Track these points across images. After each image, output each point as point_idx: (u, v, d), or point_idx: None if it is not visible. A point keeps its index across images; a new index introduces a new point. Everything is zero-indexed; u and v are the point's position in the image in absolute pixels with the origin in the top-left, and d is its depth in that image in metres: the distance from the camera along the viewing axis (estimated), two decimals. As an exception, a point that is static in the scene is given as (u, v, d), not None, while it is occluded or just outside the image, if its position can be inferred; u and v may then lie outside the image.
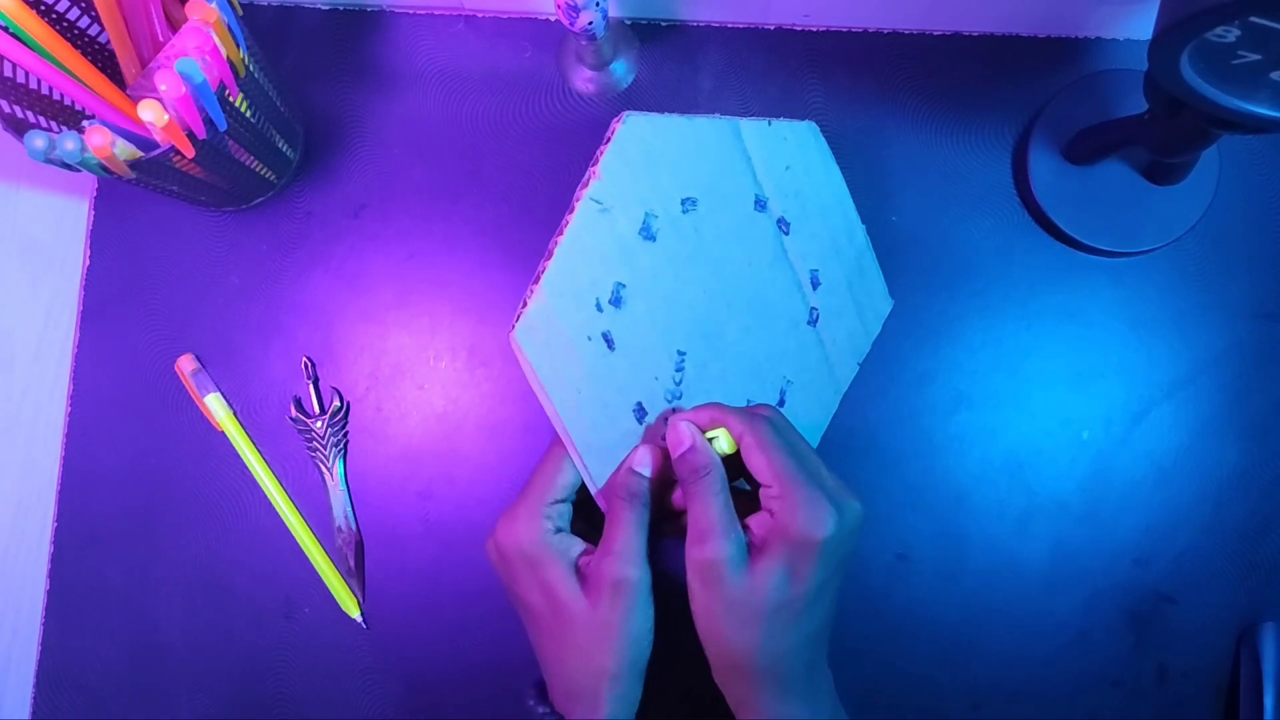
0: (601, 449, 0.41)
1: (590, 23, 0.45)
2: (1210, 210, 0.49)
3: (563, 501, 0.41)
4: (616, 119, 0.40)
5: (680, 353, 0.43)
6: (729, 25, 0.53)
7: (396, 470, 0.52)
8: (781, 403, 0.47)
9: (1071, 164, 0.50)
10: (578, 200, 0.40)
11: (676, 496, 0.42)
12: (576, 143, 0.53)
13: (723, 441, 0.40)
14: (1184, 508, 0.50)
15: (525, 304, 0.39)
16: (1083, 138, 0.49)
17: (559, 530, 0.40)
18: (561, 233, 0.40)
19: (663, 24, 0.54)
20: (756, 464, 0.38)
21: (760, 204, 0.45)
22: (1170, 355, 0.51)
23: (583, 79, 0.53)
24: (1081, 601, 0.50)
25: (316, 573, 0.51)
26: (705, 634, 0.38)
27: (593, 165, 0.40)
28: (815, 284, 0.46)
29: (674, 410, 0.43)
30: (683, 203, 0.42)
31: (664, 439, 0.41)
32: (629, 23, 0.53)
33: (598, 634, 0.38)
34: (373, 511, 0.52)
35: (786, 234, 0.45)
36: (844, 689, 0.41)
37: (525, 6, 0.53)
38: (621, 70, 0.53)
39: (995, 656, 0.50)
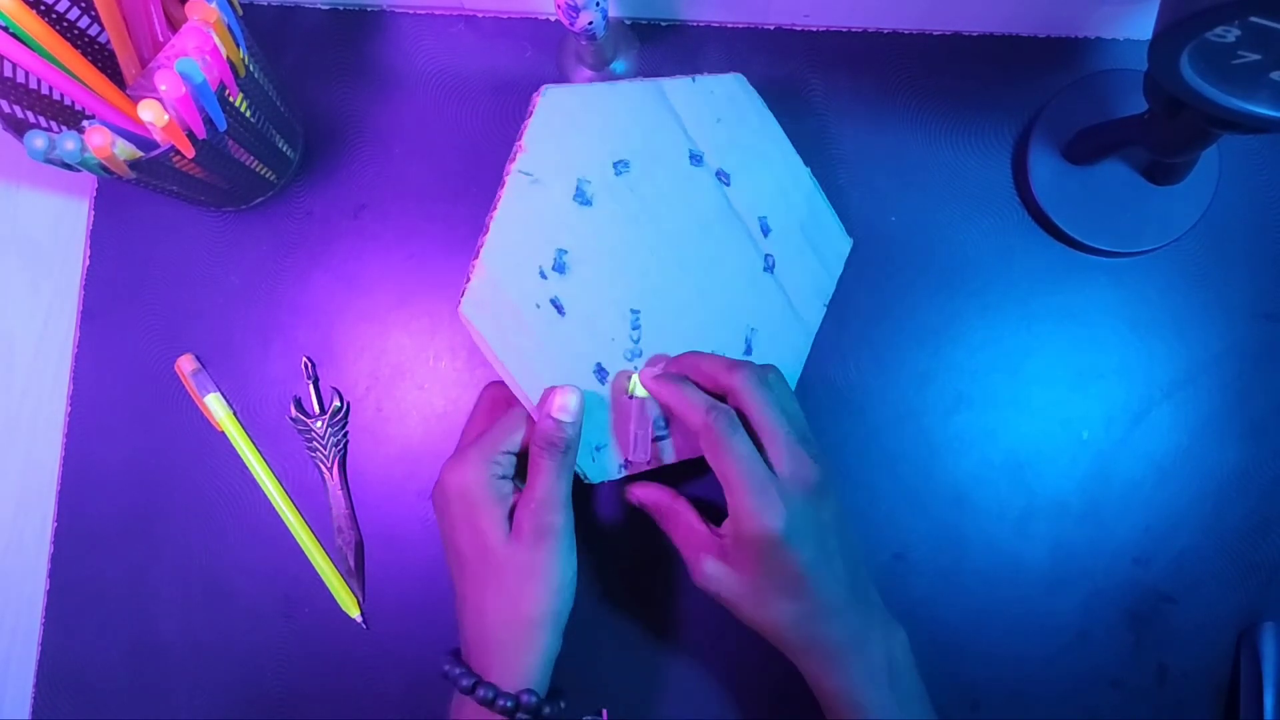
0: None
1: (590, 23, 0.45)
2: (1210, 210, 0.49)
3: (511, 453, 0.42)
4: (536, 93, 0.42)
5: (634, 311, 0.44)
6: (729, 25, 0.53)
7: (396, 470, 0.52)
8: (749, 351, 0.47)
9: (1071, 164, 0.50)
10: (507, 174, 0.41)
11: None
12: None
13: (638, 385, 0.43)
14: (1184, 508, 0.50)
15: (468, 279, 0.40)
16: (1083, 138, 0.49)
17: (503, 477, 0.41)
18: (495, 208, 0.41)
19: (663, 24, 0.54)
20: (714, 466, 0.39)
21: (695, 158, 0.46)
22: (1170, 355, 0.51)
23: (583, 79, 0.53)
24: (1081, 601, 0.50)
25: (316, 573, 0.51)
26: (749, 626, 0.41)
27: (518, 140, 0.42)
28: (765, 230, 0.47)
29: (631, 370, 0.44)
30: (614, 165, 0.43)
31: (627, 394, 0.44)
32: (629, 23, 0.53)
33: (521, 578, 0.39)
34: (373, 511, 0.52)
35: (728, 185, 0.46)
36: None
37: (525, 6, 0.53)
38: (621, 70, 0.52)
39: (994, 656, 0.50)
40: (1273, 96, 0.35)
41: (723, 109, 0.46)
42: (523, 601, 0.39)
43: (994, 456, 0.51)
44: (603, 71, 0.52)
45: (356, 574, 0.51)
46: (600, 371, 0.43)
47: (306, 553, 0.51)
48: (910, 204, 0.52)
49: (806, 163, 0.49)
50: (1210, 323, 0.51)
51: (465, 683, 0.38)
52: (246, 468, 0.52)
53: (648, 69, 0.53)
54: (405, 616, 0.51)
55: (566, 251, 0.42)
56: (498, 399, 0.45)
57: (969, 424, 0.51)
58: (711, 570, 0.40)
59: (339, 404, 0.52)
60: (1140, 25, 0.51)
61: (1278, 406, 0.50)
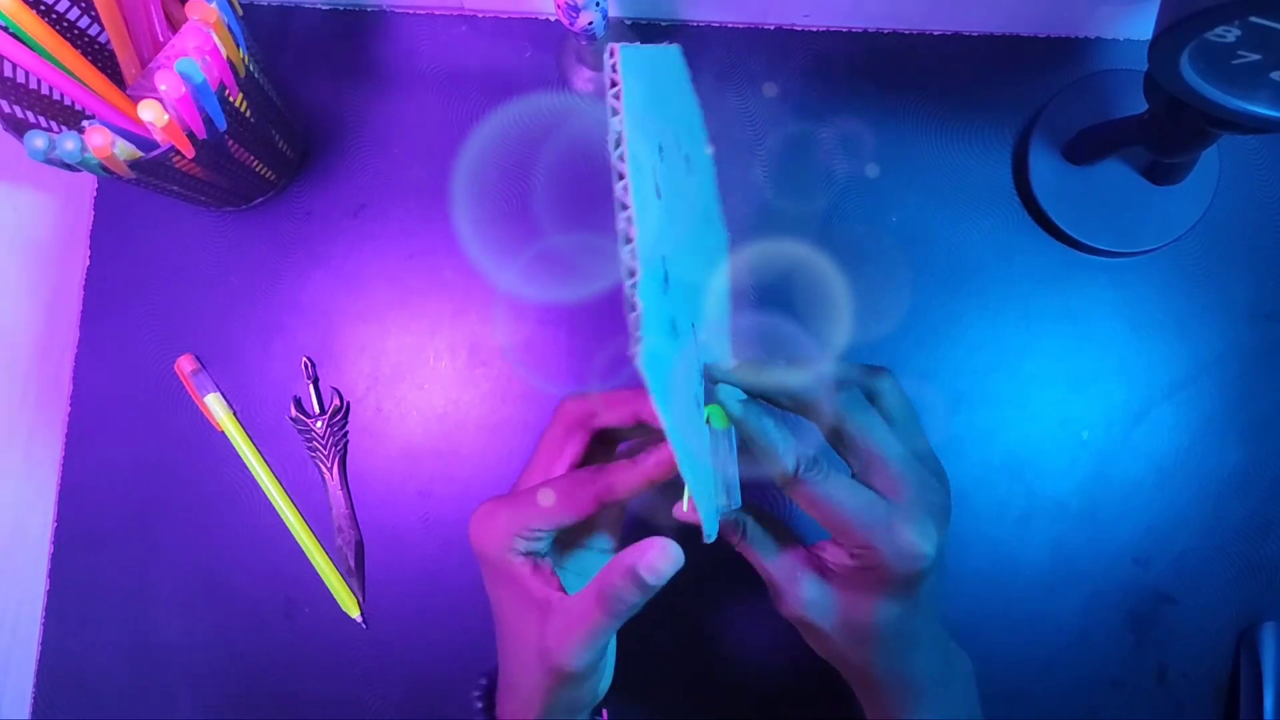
0: (689, 447, 0.31)
1: (590, 23, 0.45)
2: (1210, 210, 0.49)
3: (546, 531, 0.35)
4: (612, 53, 0.29)
5: (692, 325, 0.34)
6: (729, 25, 0.53)
7: (396, 470, 0.52)
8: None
9: (1071, 164, 0.50)
10: (623, 160, 0.28)
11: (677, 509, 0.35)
12: (576, 143, 0.52)
13: (717, 418, 0.34)
14: (1184, 508, 0.50)
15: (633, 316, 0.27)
16: (1083, 138, 0.49)
17: (529, 552, 0.35)
18: (628, 219, 0.28)
19: (663, 24, 0.53)
20: (811, 512, 0.34)
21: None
22: (1170, 355, 0.51)
23: (583, 79, 0.53)
24: (1081, 602, 0.50)
25: (316, 573, 0.51)
26: (824, 656, 0.36)
27: (614, 112, 0.29)
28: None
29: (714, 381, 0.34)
30: (659, 150, 0.32)
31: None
32: (629, 23, 0.53)
33: (542, 680, 0.34)
34: (373, 511, 0.52)
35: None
36: (843, 688, 0.41)
37: (525, 6, 0.53)
38: (621, 70, 0.52)
39: (995, 657, 0.50)
40: (1273, 96, 0.35)
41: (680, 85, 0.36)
42: (533, 690, 0.35)
43: (994, 456, 0.51)
44: (603, 72, 0.52)
45: (356, 574, 0.51)
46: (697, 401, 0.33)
47: (306, 553, 0.51)
48: (910, 204, 0.52)
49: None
50: (1210, 323, 0.51)
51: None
52: (246, 468, 0.52)
53: (648, 69, 0.53)
54: (405, 616, 0.51)
55: (666, 258, 0.31)
56: (571, 426, 0.37)
57: (969, 424, 0.51)
58: (811, 592, 0.34)
59: (339, 404, 0.52)
60: (1140, 25, 0.51)
61: (1278, 407, 0.50)
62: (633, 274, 0.28)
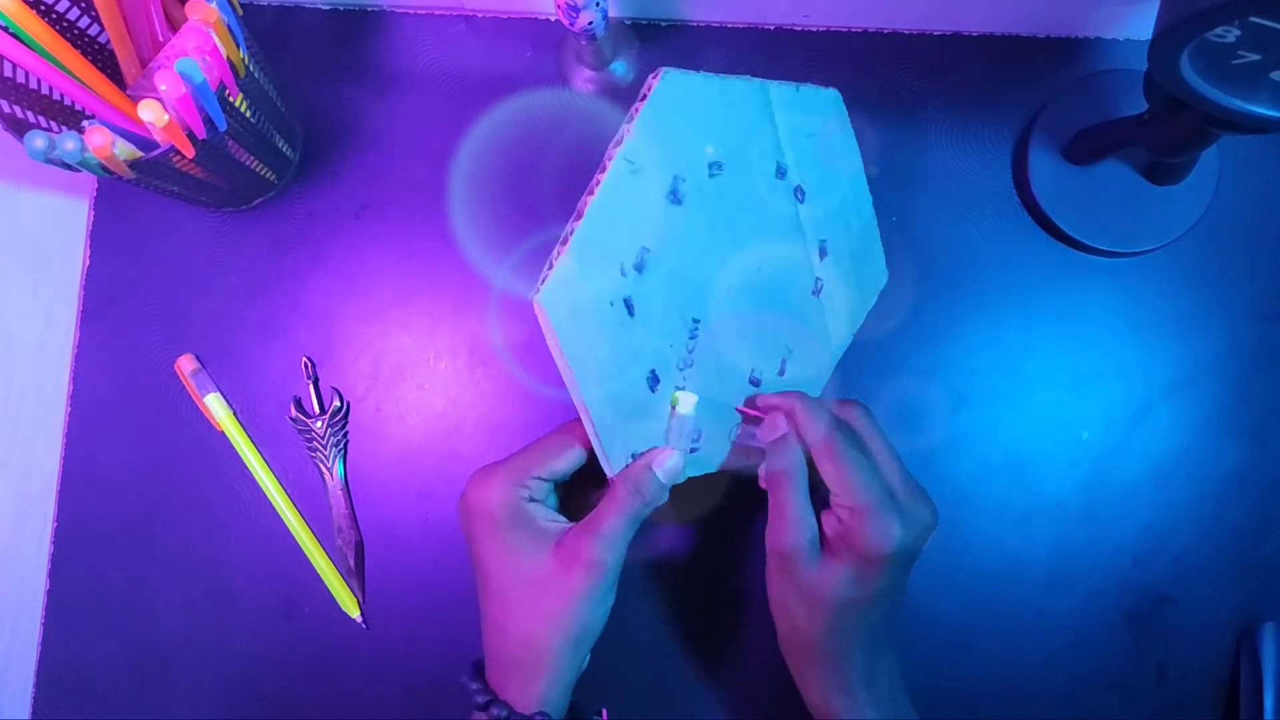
0: (615, 420, 0.40)
1: (590, 23, 0.45)
2: (1210, 210, 0.49)
3: (543, 479, 0.40)
4: (654, 75, 0.38)
5: (695, 320, 0.42)
6: (729, 25, 0.53)
7: (396, 470, 0.52)
8: (781, 372, 0.46)
9: (1071, 164, 0.50)
10: (609, 159, 0.37)
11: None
12: (576, 143, 0.52)
13: (685, 404, 0.41)
14: (1184, 508, 0.50)
15: (551, 265, 0.37)
16: (1083, 138, 0.49)
17: (532, 500, 0.40)
18: (592, 192, 0.37)
19: (663, 24, 0.53)
20: (828, 472, 0.39)
21: (781, 171, 0.44)
22: (1170, 355, 0.51)
23: (583, 79, 0.53)
24: (1081, 602, 0.50)
25: (316, 573, 0.51)
26: (776, 610, 0.41)
27: (627, 123, 0.38)
28: (823, 254, 0.46)
29: (681, 387, 0.42)
30: (710, 166, 0.41)
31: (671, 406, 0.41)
32: (629, 23, 0.53)
33: (552, 601, 0.38)
34: (373, 511, 0.52)
35: (802, 202, 0.45)
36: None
37: (525, 6, 0.53)
38: (621, 70, 0.53)
39: (994, 657, 0.50)
40: (1273, 96, 0.35)
41: (816, 124, 0.45)
42: (549, 623, 0.38)
43: (994, 457, 0.51)
44: (603, 71, 0.52)
45: (356, 574, 0.51)
46: (652, 379, 0.41)
47: (306, 553, 0.51)
48: (910, 204, 0.52)
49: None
50: (1210, 323, 0.51)
51: (480, 699, 0.38)
52: (246, 468, 0.52)
53: (648, 69, 0.53)
54: (405, 616, 0.51)
55: (649, 250, 0.39)
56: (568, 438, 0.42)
57: (969, 424, 0.51)
58: (809, 537, 0.39)
59: (339, 404, 0.52)
60: (1140, 25, 0.51)
61: (1278, 407, 0.50)
62: (565, 240, 0.37)
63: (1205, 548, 0.50)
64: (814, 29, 0.53)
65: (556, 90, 0.53)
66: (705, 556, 0.51)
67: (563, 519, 0.41)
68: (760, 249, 0.44)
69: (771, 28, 0.53)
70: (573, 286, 0.37)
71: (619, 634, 0.50)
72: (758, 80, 0.42)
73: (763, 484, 0.42)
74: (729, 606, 0.50)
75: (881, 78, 0.52)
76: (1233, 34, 0.32)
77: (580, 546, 0.38)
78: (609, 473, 0.40)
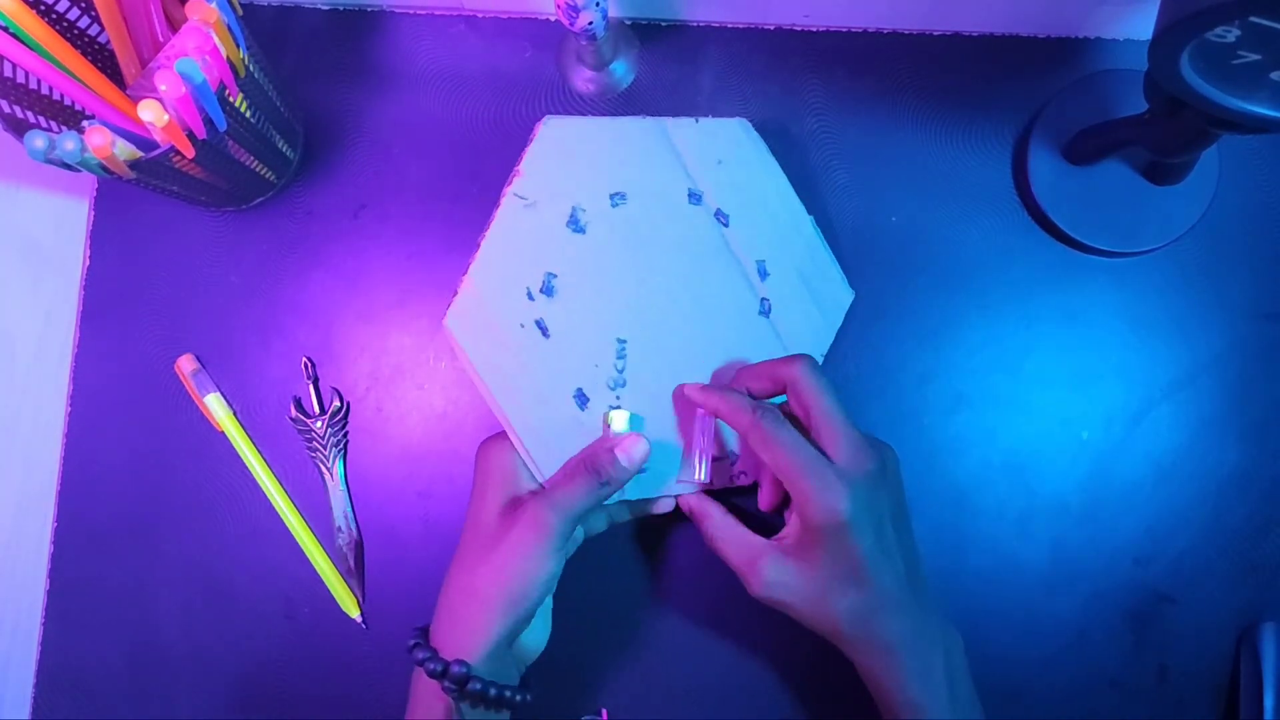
0: (544, 435, 0.43)
1: (590, 23, 0.45)
2: (1210, 210, 0.49)
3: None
4: (538, 122, 0.44)
5: (620, 340, 0.45)
6: (729, 25, 0.53)
7: (396, 470, 0.52)
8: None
9: (1071, 164, 0.50)
10: (503, 197, 0.43)
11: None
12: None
13: (618, 421, 0.44)
14: (1184, 508, 0.50)
15: (456, 293, 0.42)
16: (1083, 138, 0.49)
17: (532, 477, 0.43)
18: (487, 227, 0.43)
19: (663, 24, 0.54)
20: (764, 458, 0.40)
21: (694, 197, 0.46)
22: (1170, 355, 0.51)
23: (583, 79, 0.53)
24: (1081, 602, 0.50)
25: (316, 573, 0.51)
26: (810, 629, 0.40)
27: (516, 165, 0.44)
28: (763, 274, 0.47)
29: (616, 406, 0.45)
30: (611, 197, 0.45)
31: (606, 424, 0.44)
32: (629, 23, 0.53)
33: (494, 556, 0.40)
34: (373, 511, 0.52)
35: (726, 226, 0.47)
36: (843, 689, 0.41)
37: (525, 6, 0.53)
38: (621, 70, 0.53)
39: (994, 657, 0.50)
40: (1273, 96, 0.35)
41: (724, 151, 0.47)
42: (484, 574, 0.39)
43: (994, 457, 0.51)
44: (603, 71, 0.52)
45: (356, 574, 0.51)
46: (580, 397, 0.44)
47: (306, 553, 0.51)
48: (910, 204, 0.52)
49: (811, 188, 0.49)
50: (1210, 323, 0.51)
51: (410, 642, 0.39)
52: (246, 468, 0.52)
53: (648, 69, 0.53)
54: (405, 616, 0.51)
55: (556, 275, 0.44)
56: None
57: (969, 424, 0.51)
58: (771, 572, 0.40)
59: (339, 404, 0.52)
60: (1140, 25, 0.51)
61: (1278, 407, 0.50)
62: (466, 269, 0.43)
63: (1206, 548, 0.50)
64: (814, 29, 0.53)
65: (556, 90, 0.53)
66: (705, 556, 0.50)
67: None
68: (686, 271, 0.46)
69: (771, 28, 0.53)
70: (477, 310, 0.42)
71: (619, 634, 0.50)
72: (654, 118, 0.46)
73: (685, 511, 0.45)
74: (729, 607, 0.50)
75: (881, 78, 0.52)
76: (1233, 34, 0.32)
77: (529, 506, 0.40)
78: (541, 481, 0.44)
